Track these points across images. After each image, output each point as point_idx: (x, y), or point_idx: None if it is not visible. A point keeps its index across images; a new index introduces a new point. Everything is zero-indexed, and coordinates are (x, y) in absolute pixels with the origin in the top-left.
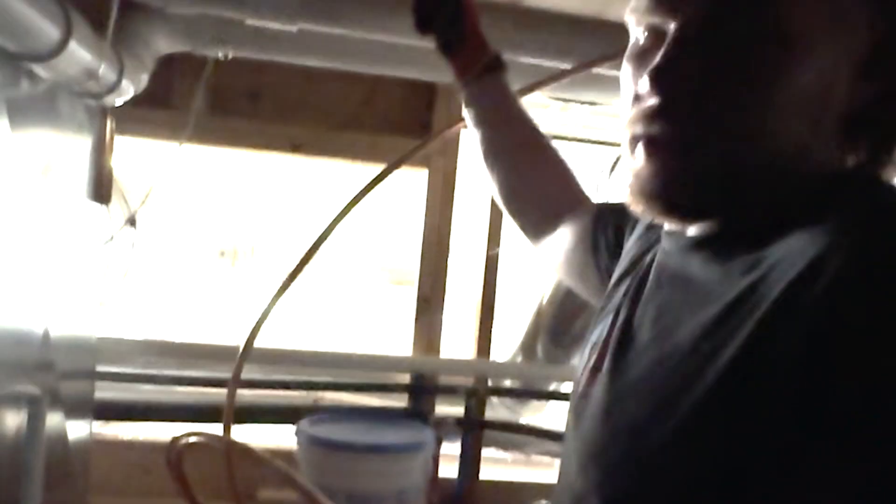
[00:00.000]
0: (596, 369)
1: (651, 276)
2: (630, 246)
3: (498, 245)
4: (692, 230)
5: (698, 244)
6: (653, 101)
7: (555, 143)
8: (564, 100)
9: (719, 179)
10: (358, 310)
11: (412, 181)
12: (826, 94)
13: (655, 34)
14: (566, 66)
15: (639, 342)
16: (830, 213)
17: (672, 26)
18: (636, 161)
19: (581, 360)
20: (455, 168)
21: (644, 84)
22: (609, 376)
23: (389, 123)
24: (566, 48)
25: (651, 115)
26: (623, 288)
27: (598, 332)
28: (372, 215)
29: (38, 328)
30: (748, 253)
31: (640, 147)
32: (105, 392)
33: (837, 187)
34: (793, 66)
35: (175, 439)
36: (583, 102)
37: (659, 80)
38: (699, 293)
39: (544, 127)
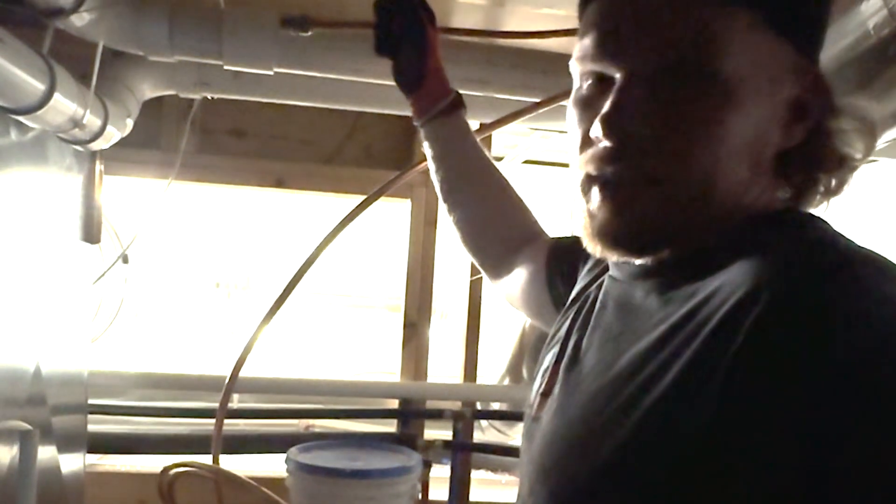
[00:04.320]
0: (546, 394)
1: (598, 304)
2: (582, 276)
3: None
4: (639, 260)
5: (643, 273)
6: (605, 144)
7: (510, 179)
8: (544, 129)
9: (671, 217)
10: (358, 336)
11: (399, 212)
12: (764, 136)
13: (600, 81)
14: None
15: (584, 368)
16: (766, 249)
17: (618, 75)
18: (592, 202)
19: (534, 384)
20: (437, 198)
21: (596, 128)
22: (557, 401)
23: (371, 156)
24: (538, 84)
25: (604, 158)
26: (572, 315)
27: (549, 358)
28: (369, 246)
29: (29, 364)
30: (689, 283)
31: (595, 189)
32: (98, 425)
33: (774, 221)
34: (733, 115)
35: (166, 469)
36: (561, 132)
37: (610, 125)
38: (641, 321)
39: (527, 153)
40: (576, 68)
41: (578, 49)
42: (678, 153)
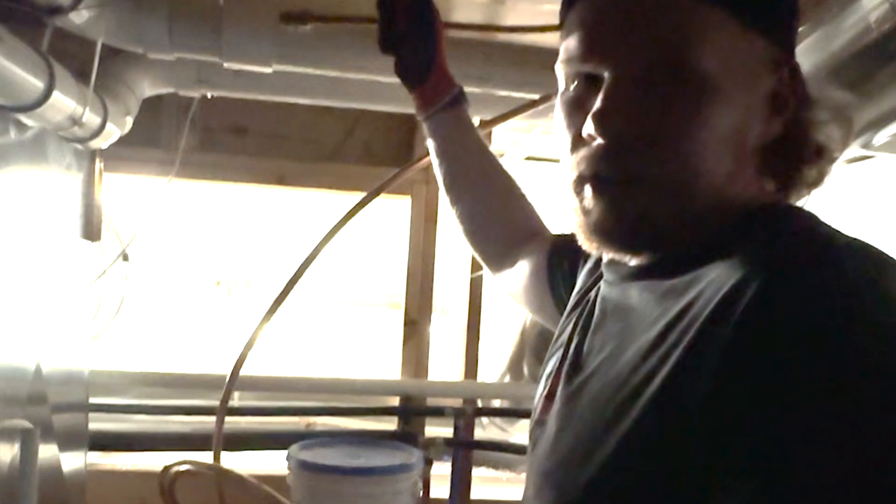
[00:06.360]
0: (550, 397)
1: (597, 308)
2: (582, 277)
3: (481, 268)
4: (632, 261)
5: (636, 274)
6: (598, 141)
7: (513, 174)
8: (545, 125)
9: (659, 214)
10: (358, 334)
11: (400, 209)
12: (745, 130)
13: (588, 82)
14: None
15: (587, 371)
16: (753, 241)
17: (607, 74)
18: (585, 200)
19: (538, 388)
20: (437, 195)
21: (588, 126)
22: (561, 404)
23: (372, 154)
24: (537, 80)
25: (597, 156)
26: (573, 320)
27: (552, 362)
28: (369, 244)
29: (30, 363)
30: (682, 278)
31: (588, 187)
32: (99, 423)
33: (761, 214)
34: (715, 111)
35: (167, 468)
36: None
37: (602, 122)
38: (638, 321)
39: (528, 149)
40: (561, 70)
41: (564, 51)
42: (663, 151)
